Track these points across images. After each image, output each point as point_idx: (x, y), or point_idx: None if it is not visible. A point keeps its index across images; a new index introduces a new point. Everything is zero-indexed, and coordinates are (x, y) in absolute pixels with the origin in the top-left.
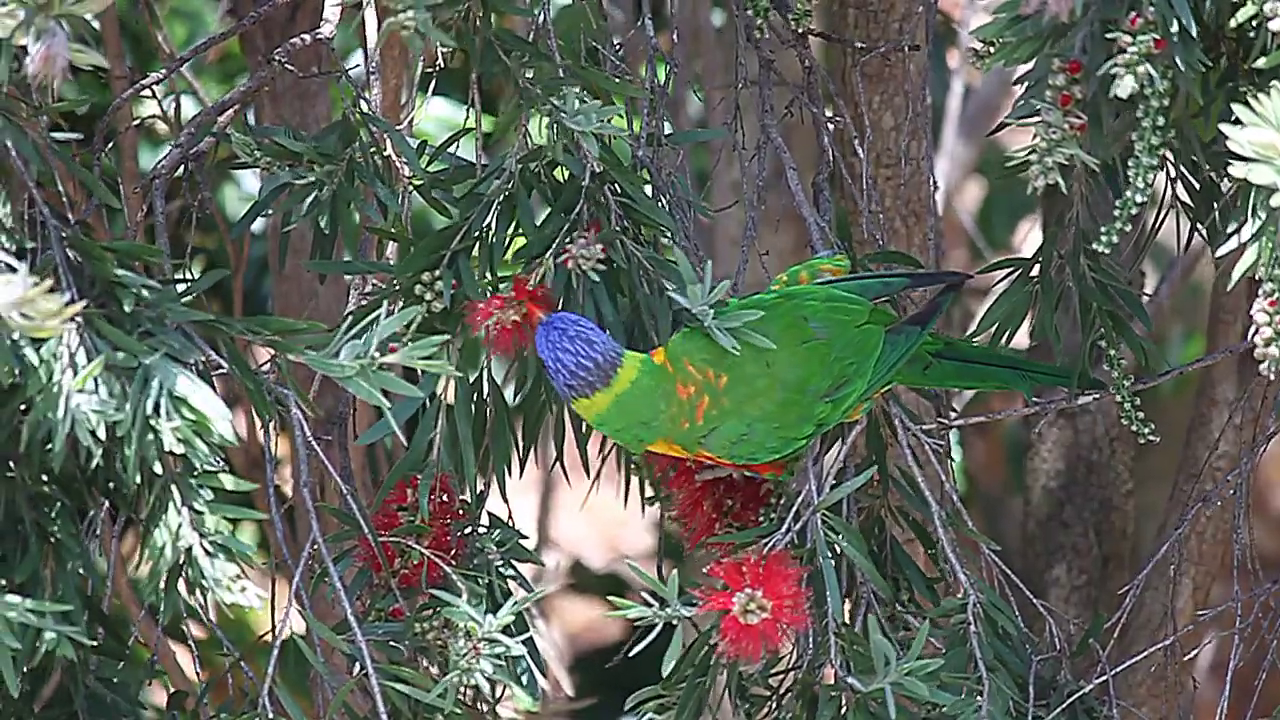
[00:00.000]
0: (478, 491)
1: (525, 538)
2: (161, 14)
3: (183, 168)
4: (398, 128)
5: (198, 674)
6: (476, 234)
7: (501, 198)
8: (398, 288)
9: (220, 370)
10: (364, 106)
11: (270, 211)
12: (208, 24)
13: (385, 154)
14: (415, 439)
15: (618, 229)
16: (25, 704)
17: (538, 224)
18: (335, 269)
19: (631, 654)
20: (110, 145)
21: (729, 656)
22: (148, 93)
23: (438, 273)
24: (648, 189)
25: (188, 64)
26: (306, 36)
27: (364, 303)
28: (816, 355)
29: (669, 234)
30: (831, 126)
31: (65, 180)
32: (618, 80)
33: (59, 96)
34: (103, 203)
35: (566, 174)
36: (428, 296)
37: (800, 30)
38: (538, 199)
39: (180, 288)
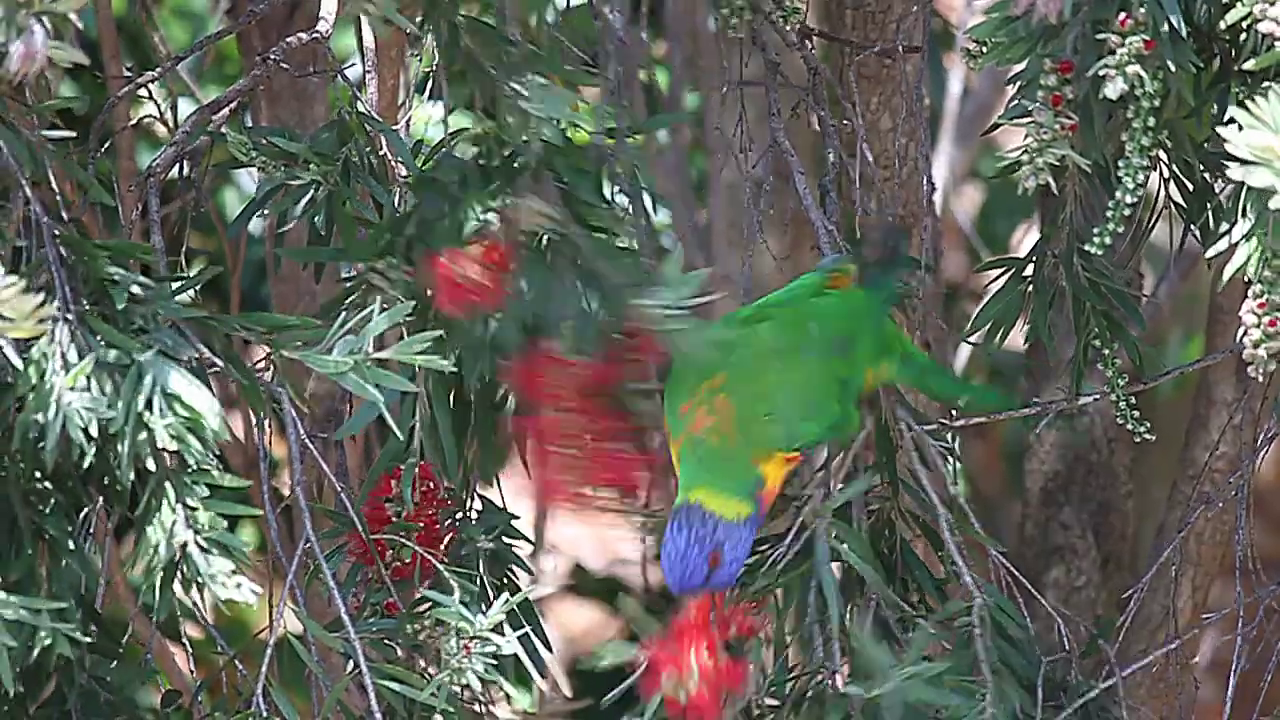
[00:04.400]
0: (464, 478)
1: (516, 518)
2: (159, 15)
3: (177, 168)
4: (394, 128)
5: (191, 672)
6: (432, 219)
7: (456, 180)
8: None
9: (214, 369)
10: (360, 107)
11: (265, 212)
12: (208, 26)
13: (381, 153)
14: (399, 426)
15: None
16: (19, 704)
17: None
18: (305, 256)
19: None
20: (107, 145)
21: None
22: (145, 94)
23: (391, 260)
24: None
25: (188, 67)
26: (303, 35)
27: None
28: (791, 324)
29: (612, 226)
30: (835, 129)
31: (60, 180)
32: (570, 70)
33: (56, 95)
34: (97, 201)
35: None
36: (378, 283)
37: (794, 26)
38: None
39: (175, 285)
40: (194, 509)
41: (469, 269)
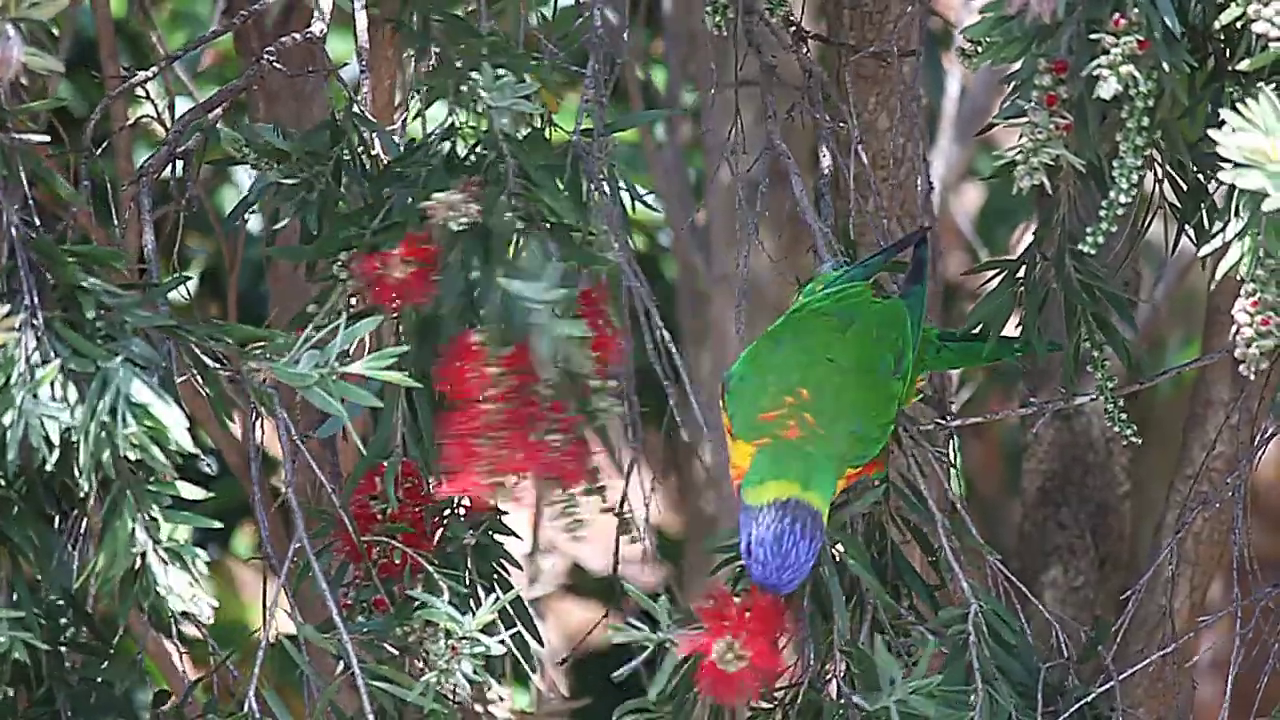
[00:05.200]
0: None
1: (503, 514)
2: (158, 17)
3: (170, 167)
4: (390, 128)
5: (184, 673)
6: (397, 214)
7: (422, 175)
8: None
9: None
10: (356, 106)
11: (256, 209)
12: (207, 28)
13: (374, 153)
14: (379, 428)
15: (507, 197)
16: (8, 704)
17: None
18: (286, 255)
19: (628, 664)
20: (104, 145)
21: (706, 697)
22: (142, 94)
23: (353, 253)
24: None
25: (184, 67)
26: (297, 35)
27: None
28: (864, 337)
29: (561, 216)
30: (830, 131)
31: (55, 183)
32: (537, 63)
33: (51, 96)
34: (70, 205)
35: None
36: (343, 276)
37: (783, 18)
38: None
39: (155, 289)
40: (155, 519)
41: (395, 266)
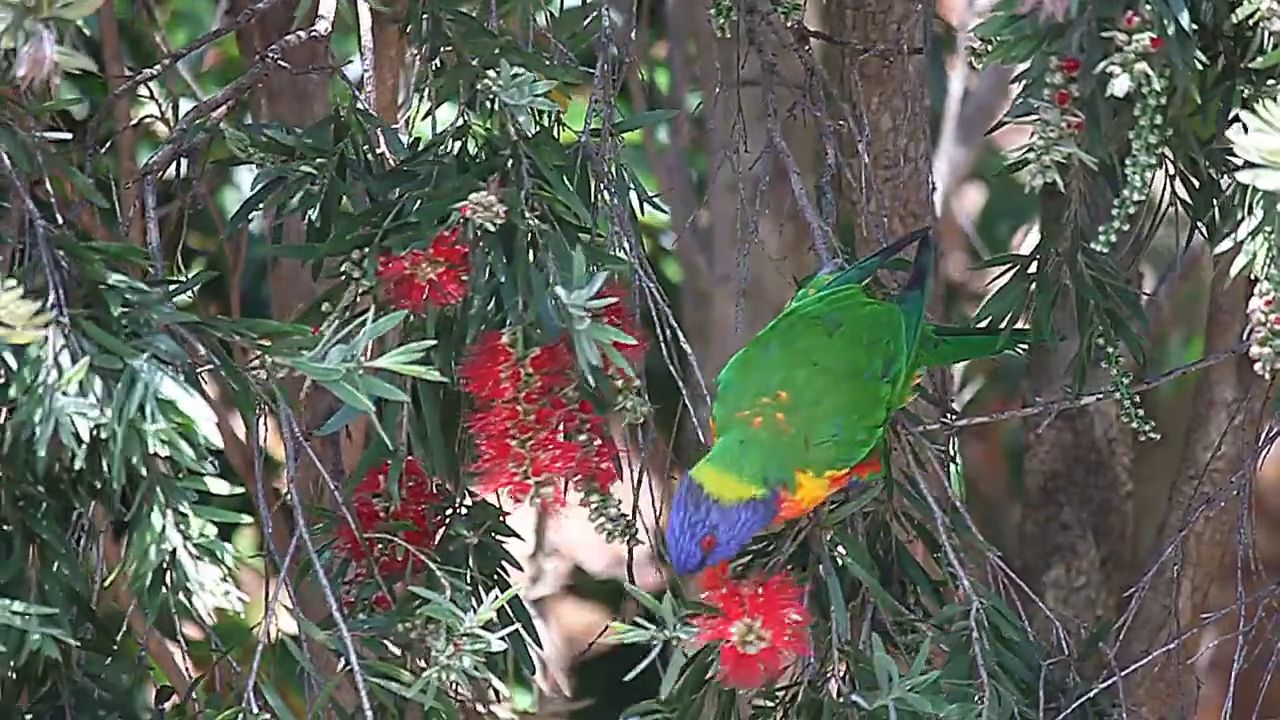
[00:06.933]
0: (453, 474)
1: (506, 514)
2: (161, 17)
3: (175, 166)
4: (393, 126)
5: (186, 671)
6: (414, 214)
7: (434, 173)
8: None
9: (208, 367)
10: (359, 104)
11: (261, 207)
12: (208, 28)
13: (379, 151)
14: (383, 426)
15: (523, 197)
16: (12, 700)
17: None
18: (289, 253)
19: (634, 664)
20: (108, 145)
21: (729, 683)
22: (145, 94)
23: (366, 251)
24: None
25: (189, 69)
26: (301, 34)
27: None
28: (851, 340)
29: (578, 217)
30: (833, 130)
31: (63, 181)
32: (549, 63)
33: (56, 96)
34: (91, 202)
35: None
36: (355, 275)
37: (791, 25)
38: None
39: (172, 288)
40: (184, 515)
41: (425, 267)
